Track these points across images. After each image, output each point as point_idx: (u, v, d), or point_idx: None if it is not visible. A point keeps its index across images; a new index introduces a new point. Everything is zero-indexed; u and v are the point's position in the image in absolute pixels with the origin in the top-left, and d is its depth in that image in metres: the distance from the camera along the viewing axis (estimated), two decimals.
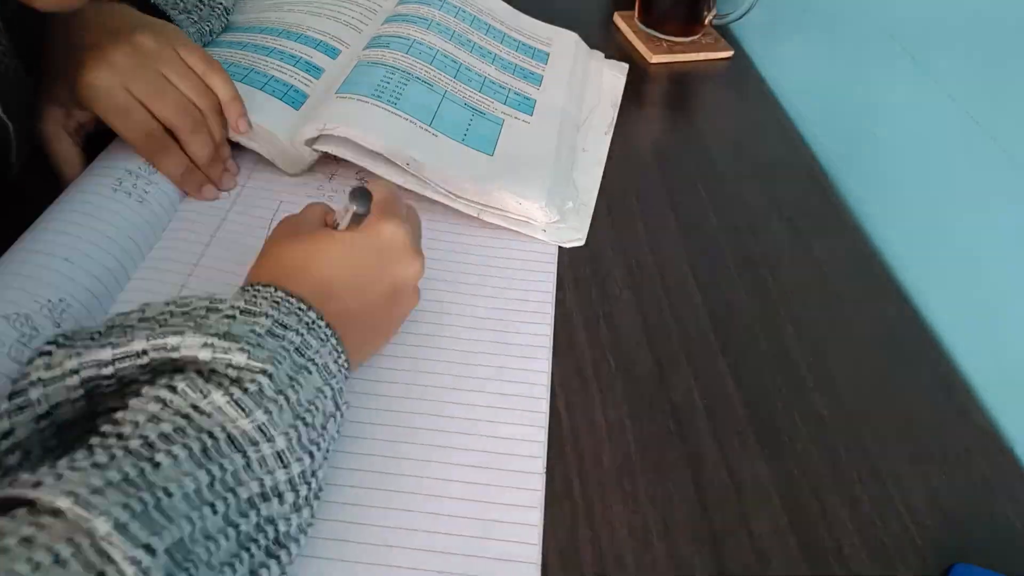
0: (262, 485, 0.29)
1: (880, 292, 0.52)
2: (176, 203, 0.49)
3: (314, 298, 0.34)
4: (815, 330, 0.48)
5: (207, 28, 0.57)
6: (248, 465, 0.28)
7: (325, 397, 0.32)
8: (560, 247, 0.52)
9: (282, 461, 0.29)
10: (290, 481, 0.30)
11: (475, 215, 0.52)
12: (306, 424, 0.30)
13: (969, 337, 0.48)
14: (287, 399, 0.30)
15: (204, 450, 0.27)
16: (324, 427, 0.32)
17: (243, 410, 0.28)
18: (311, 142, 0.51)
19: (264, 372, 0.29)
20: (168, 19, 0.52)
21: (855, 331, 0.49)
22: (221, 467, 0.28)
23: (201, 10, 0.57)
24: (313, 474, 0.31)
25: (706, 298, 0.50)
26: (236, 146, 0.53)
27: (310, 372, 0.32)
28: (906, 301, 0.51)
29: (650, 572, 0.35)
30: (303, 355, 0.32)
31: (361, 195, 0.36)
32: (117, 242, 0.43)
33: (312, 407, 0.31)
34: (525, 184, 0.52)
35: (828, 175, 0.62)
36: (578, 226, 0.54)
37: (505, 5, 0.73)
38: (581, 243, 0.53)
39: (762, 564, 0.36)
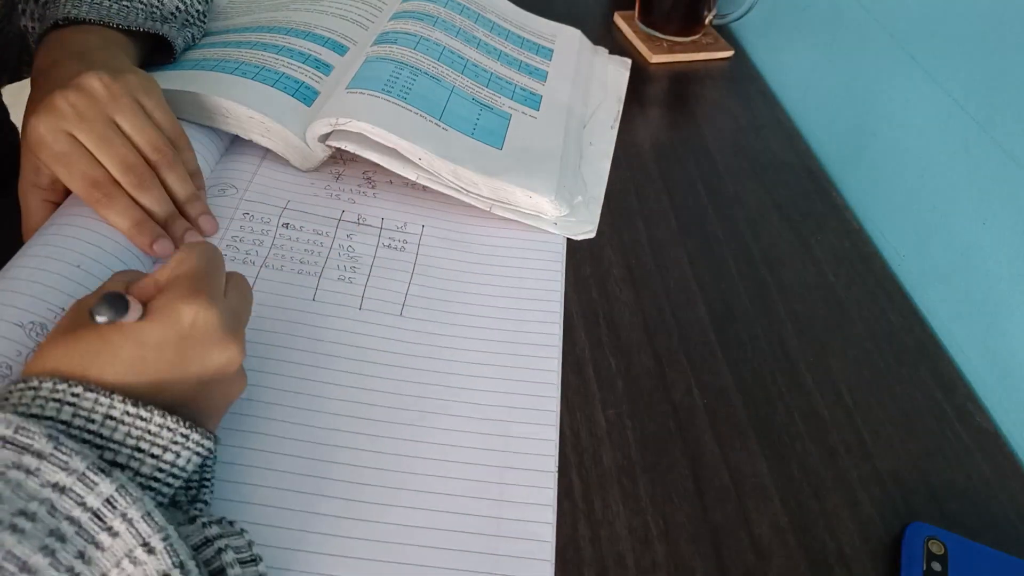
0: None
1: (880, 292, 0.52)
2: None
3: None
4: (815, 329, 0.48)
5: (189, 35, 0.56)
6: None
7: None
8: (567, 246, 0.52)
9: None
10: None
11: (486, 209, 0.52)
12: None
13: (969, 337, 0.48)
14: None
15: None
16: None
17: None
18: (324, 138, 0.51)
19: None
20: (145, 33, 0.50)
21: (855, 330, 0.49)
22: None
23: (179, 16, 0.55)
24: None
25: (706, 298, 0.50)
26: (244, 140, 0.53)
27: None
28: (906, 301, 0.51)
29: (650, 572, 0.35)
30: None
31: (109, 303, 0.29)
32: (125, 245, 0.43)
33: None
34: (535, 178, 0.53)
35: (828, 175, 0.62)
36: (588, 218, 0.54)
37: (508, 3, 0.74)
38: (592, 235, 0.53)
39: (762, 564, 0.36)
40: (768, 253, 0.53)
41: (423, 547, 0.35)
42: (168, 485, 0.31)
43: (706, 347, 0.46)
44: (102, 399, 0.29)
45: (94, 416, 0.29)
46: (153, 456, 0.30)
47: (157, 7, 0.53)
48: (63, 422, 0.29)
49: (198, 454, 0.31)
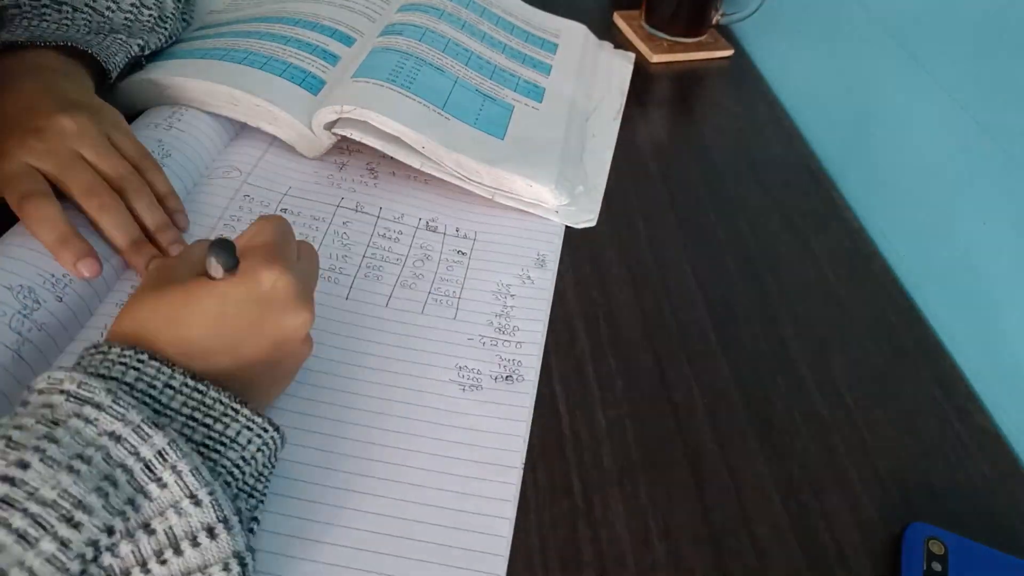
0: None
1: (880, 291, 0.52)
2: (188, 183, 0.49)
3: (179, 357, 0.32)
4: (815, 329, 0.48)
5: (140, 43, 0.52)
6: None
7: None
8: (568, 245, 0.52)
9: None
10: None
11: (489, 197, 0.53)
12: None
13: (969, 336, 0.48)
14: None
15: None
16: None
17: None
18: (329, 126, 0.52)
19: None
20: (88, 54, 0.47)
21: (855, 330, 0.49)
22: None
23: (131, 26, 0.53)
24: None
25: (706, 298, 0.50)
26: (253, 127, 0.53)
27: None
28: (906, 300, 0.51)
29: (650, 572, 0.35)
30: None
31: (221, 247, 0.32)
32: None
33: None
34: (535, 167, 0.53)
35: (828, 175, 0.62)
36: (589, 207, 0.55)
37: None
38: (593, 223, 0.54)
39: (762, 564, 0.36)
40: (768, 253, 0.53)
41: (377, 533, 0.35)
42: (217, 452, 0.32)
43: (706, 347, 0.46)
44: (164, 368, 0.31)
45: (155, 383, 0.31)
46: (205, 425, 0.32)
47: (104, 20, 0.51)
48: (127, 384, 0.30)
49: (248, 428, 0.32)
